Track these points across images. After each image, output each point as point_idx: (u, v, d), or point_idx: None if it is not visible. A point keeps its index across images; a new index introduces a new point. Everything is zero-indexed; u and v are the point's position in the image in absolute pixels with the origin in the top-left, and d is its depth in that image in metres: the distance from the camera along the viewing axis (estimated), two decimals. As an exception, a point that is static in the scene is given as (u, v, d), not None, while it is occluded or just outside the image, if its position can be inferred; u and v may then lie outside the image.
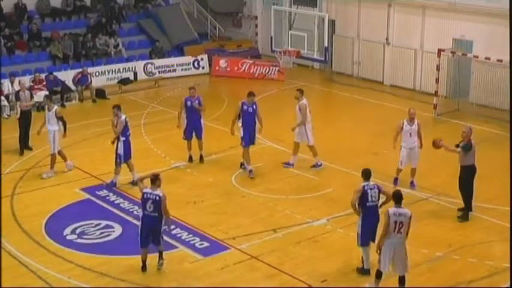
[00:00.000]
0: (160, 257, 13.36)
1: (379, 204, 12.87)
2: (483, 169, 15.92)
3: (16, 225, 15.27)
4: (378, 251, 12.07)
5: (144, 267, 13.17)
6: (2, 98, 23.48)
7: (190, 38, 31.50)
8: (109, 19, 30.66)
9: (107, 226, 15.25)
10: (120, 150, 17.03)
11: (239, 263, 13.63)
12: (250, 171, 17.95)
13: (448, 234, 14.85)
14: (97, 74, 27.54)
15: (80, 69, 26.51)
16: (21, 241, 14.48)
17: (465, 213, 15.49)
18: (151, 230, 12.96)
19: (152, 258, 13.33)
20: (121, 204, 16.37)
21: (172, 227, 14.38)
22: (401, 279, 12.17)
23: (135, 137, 20.47)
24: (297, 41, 28.91)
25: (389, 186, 13.66)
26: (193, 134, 18.88)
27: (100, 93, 26.21)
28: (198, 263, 13.69)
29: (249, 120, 17.82)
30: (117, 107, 17.17)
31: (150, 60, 29.29)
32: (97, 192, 17.06)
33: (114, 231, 15.03)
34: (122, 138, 17.04)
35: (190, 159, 19.02)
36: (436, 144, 15.73)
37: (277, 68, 29.34)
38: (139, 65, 28.80)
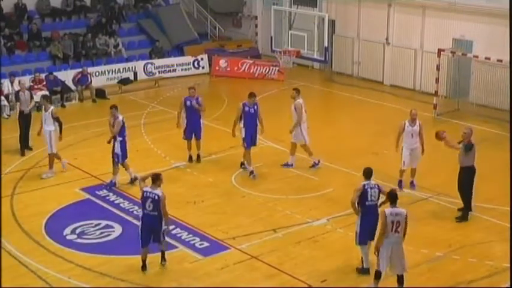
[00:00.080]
0: (163, 257, 13.39)
1: (378, 204, 12.86)
2: (483, 169, 15.91)
3: (16, 225, 15.27)
4: (376, 253, 12.09)
5: (144, 267, 13.17)
6: (2, 98, 23.50)
7: (190, 38, 31.51)
8: (109, 19, 30.68)
9: (107, 226, 15.24)
10: (118, 150, 17.06)
11: (239, 263, 13.63)
12: (251, 172, 17.94)
13: (448, 234, 14.85)
14: (97, 74, 27.56)
15: (80, 69, 26.52)
16: (21, 241, 14.48)
17: (464, 213, 15.48)
18: (151, 229, 12.97)
19: (152, 258, 13.34)
20: (121, 204, 16.37)
21: (172, 227, 14.38)
22: (400, 279, 12.18)
23: (135, 137, 20.53)
24: (297, 41, 28.89)
25: (390, 187, 13.62)
26: (193, 134, 18.91)
27: (100, 93, 26.22)
28: (198, 263, 13.69)
29: (250, 122, 17.80)
30: (115, 107, 17.19)
31: (150, 60, 29.30)
32: (97, 192, 17.06)
33: (114, 231, 15.03)
34: (119, 139, 17.07)
35: (190, 159, 19.02)
36: (439, 136, 15.71)
37: (277, 68, 29.35)
38: (139, 65, 28.81)
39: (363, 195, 12.79)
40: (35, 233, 14.84)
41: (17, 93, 20.87)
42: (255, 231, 14.95)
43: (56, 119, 17.98)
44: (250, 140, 17.86)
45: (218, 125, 21.69)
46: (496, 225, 15.17)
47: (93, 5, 31.49)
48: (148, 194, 12.86)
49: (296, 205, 16.30)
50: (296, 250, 14.14)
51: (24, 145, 19.82)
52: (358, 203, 12.85)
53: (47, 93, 23.77)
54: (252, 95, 17.86)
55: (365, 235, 12.86)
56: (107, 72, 28.02)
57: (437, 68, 23.81)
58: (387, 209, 11.96)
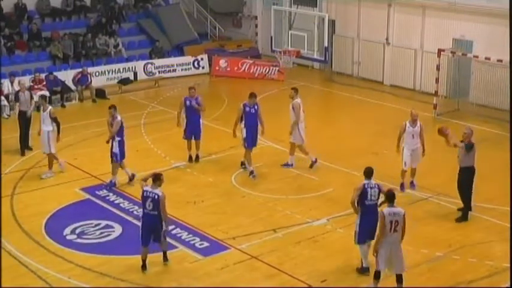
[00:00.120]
0: (165, 257, 13.41)
1: (378, 204, 12.87)
2: (483, 169, 15.92)
3: (16, 225, 15.26)
4: (375, 253, 12.10)
5: (144, 267, 13.18)
6: (2, 98, 23.50)
7: (190, 38, 31.51)
8: (109, 19, 30.68)
9: (107, 226, 15.24)
10: (116, 150, 17.08)
11: (239, 263, 13.63)
12: (251, 172, 17.94)
13: (448, 234, 14.85)
14: (97, 74, 27.56)
15: (80, 69, 26.52)
16: (21, 241, 14.48)
17: (464, 213, 15.48)
18: (152, 228, 12.98)
19: (152, 258, 13.34)
20: (121, 204, 16.37)
21: (172, 227, 14.39)
22: (399, 278, 12.18)
23: (135, 137, 20.56)
24: (297, 41, 28.90)
25: (390, 187, 13.61)
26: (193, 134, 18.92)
27: (100, 93, 26.21)
28: (198, 263, 13.69)
29: (251, 122, 17.80)
30: (114, 108, 17.22)
31: (150, 60, 29.30)
32: (97, 192, 17.06)
33: (114, 231, 15.03)
34: (117, 138, 17.09)
35: (190, 159, 19.02)
36: (441, 132, 15.69)
37: (277, 68, 29.35)
38: (139, 65, 28.81)
39: (363, 194, 12.79)
40: (35, 233, 14.84)
41: (16, 94, 20.86)
42: (255, 231, 14.95)
43: (54, 119, 17.97)
44: (251, 140, 17.86)
45: (218, 125, 21.69)
46: (496, 225, 15.17)
47: (93, 5, 31.49)
48: (148, 193, 12.88)
49: (296, 205, 16.30)
50: (296, 250, 14.14)
51: (24, 145, 19.82)
52: (358, 202, 12.87)
53: (45, 93, 23.72)
54: (252, 96, 17.87)
55: (364, 234, 12.86)
56: (107, 72, 28.02)
57: (437, 68, 23.81)
58: (385, 209, 11.98)
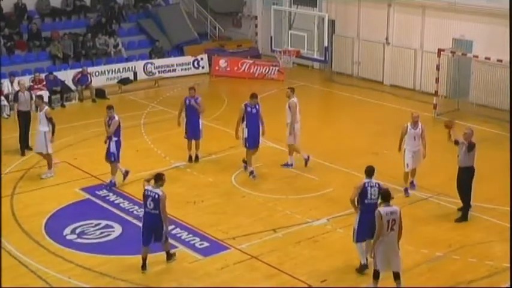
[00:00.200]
0: (168, 257, 13.43)
1: (378, 203, 12.85)
2: (483, 169, 15.93)
3: (16, 225, 15.26)
4: (372, 254, 12.11)
5: (144, 266, 13.17)
6: (2, 98, 23.49)
7: (190, 38, 31.51)
8: (109, 19, 30.67)
9: (107, 226, 15.24)
10: (113, 149, 17.08)
11: (239, 263, 13.63)
12: (251, 172, 17.94)
13: (448, 234, 14.85)
14: (97, 73, 27.56)
15: (80, 69, 26.52)
16: (21, 241, 14.48)
17: (464, 212, 15.48)
18: (153, 227, 12.99)
19: (153, 258, 13.34)
20: (121, 204, 16.37)
21: (172, 227, 14.39)
22: (397, 275, 12.19)
23: (135, 137, 20.57)
24: (297, 40, 28.88)
25: (390, 187, 13.61)
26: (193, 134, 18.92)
27: (100, 93, 26.21)
28: (198, 263, 13.69)
29: (252, 122, 17.79)
30: (111, 108, 17.23)
31: (150, 60, 29.31)
32: (97, 192, 17.06)
33: (114, 231, 15.03)
34: (115, 138, 17.10)
35: (190, 159, 19.02)
36: (447, 125, 15.71)
37: (277, 68, 29.35)
38: (139, 64, 28.81)
39: (363, 193, 12.80)
40: (35, 233, 14.84)
41: (16, 94, 20.84)
42: (255, 231, 14.95)
43: (50, 120, 17.94)
44: (253, 141, 17.86)
45: (218, 125, 21.69)
46: (496, 225, 15.17)
47: (93, 5, 31.49)
48: (149, 192, 12.92)
49: (296, 205, 16.30)
50: (296, 250, 14.14)
51: (24, 145, 19.81)
52: (357, 201, 12.87)
53: (42, 93, 23.67)
54: (253, 96, 17.89)
55: (363, 233, 12.86)
56: (106, 72, 28.02)
57: (437, 68, 23.81)
58: (381, 209, 11.97)
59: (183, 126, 18.89)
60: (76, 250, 14.11)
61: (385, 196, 12.10)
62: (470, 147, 15.12)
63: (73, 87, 26.19)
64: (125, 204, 16.33)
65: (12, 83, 23.82)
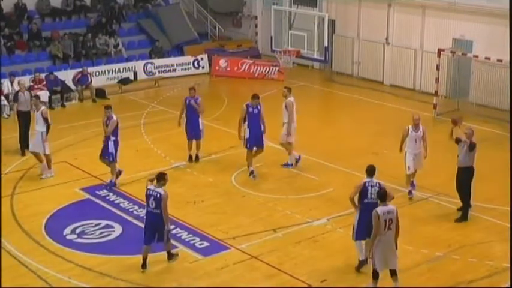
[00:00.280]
0: (169, 257, 13.43)
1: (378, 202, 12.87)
2: (483, 169, 15.93)
3: (16, 225, 15.26)
4: (370, 254, 12.11)
5: (144, 265, 13.17)
6: (2, 98, 23.48)
7: (190, 37, 31.51)
8: (109, 19, 30.67)
9: (107, 226, 15.24)
10: (111, 149, 17.08)
11: (239, 263, 13.63)
12: (252, 172, 17.94)
13: (448, 234, 14.85)
14: (97, 73, 27.56)
15: (80, 69, 26.52)
16: (21, 241, 14.47)
17: (464, 212, 15.48)
18: (154, 226, 13.02)
19: (153, 257, 13.34)
20: (121, 204, 16.36)
21: (172, 226, 14.37)
22: (394, 272, 12.19)
23: (135, 137, 20.57)
24: (297, 40, 28.88)
25: (391, 187, 13.61)
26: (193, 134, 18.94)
27: (100, 93, 26.21)
28: (198, 262, 13.68)
29: (254, 122, 17.79)
30: (109, 107, 17.24)
31: (150, 60, 29.31)
32: (97, 192, 17.05)
33: (114, 231, 15.03)
34: (112, 138, 17.10)
35: (190, 159, 19.03)
36: (456, 121, 15.72)
37: (277, 68, 29.34)
38: (139, 64, 28.82)
39: (363, 192, 12.81)
40: (35, 233, 14.83)
41: (16, 94, 20.84)
42: (255, 231, 14.95)
43: (45, 120, 17.92)
44: (254, 141, 17.85)
45: (218, 125, 21.69)
46: (496, 225, 15.17)
47: (93, 5, 31.49)
48: (151, 191, 12.96)
49: (296, 205, 16.30)
50: (296, 250, 14.14)
51: (24, 145, 19.76)
52: (358, 200, 12.87)
53: (42, 93, 23.66)
54: (255, 97, 17.89)
55: (362, 232, 12.84)
56: (106, 72, 28.02)
57: (437, 68, 23.81)
58: (379, 209, 11.97)
59: (183, 126, 18.90)
60: (76, 250, 14.11)
61: (382, 196, 12.10)
62: (472, 146, 15.12)
63: (73, 87, 26.19)
64: (125, 204, 16.32)
65: (12, 83, 23.81)
